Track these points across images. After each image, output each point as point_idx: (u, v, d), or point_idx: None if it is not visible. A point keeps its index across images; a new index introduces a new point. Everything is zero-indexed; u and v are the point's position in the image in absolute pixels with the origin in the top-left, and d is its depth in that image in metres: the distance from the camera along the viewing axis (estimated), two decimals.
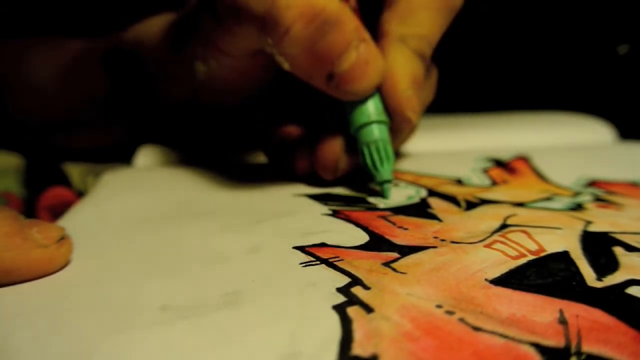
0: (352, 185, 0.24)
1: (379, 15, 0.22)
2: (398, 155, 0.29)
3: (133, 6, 0.25)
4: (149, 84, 0.28)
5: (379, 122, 0.21)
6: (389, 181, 0.22)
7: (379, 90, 0.21)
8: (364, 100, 0.21)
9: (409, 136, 0.27)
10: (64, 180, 0.29)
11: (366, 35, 0.20)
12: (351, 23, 0.19)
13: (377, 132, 0.21)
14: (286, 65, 0.20)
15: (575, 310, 0.13)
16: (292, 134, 0.24)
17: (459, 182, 0.25)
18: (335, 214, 0.20)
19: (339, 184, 0.23)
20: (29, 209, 0.28)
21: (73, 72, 0.32)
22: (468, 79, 0.50)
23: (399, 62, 0.21)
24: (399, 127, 0.22)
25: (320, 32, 0.19)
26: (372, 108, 0.21)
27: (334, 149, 0.22)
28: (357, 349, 0.11)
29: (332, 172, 0.23)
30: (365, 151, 0.21)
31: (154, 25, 0.27)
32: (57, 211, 0.25)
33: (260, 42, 0.20)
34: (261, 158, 0.29)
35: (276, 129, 0.24)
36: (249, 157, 0.30)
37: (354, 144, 0.22)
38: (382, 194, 0.22)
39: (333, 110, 0.22)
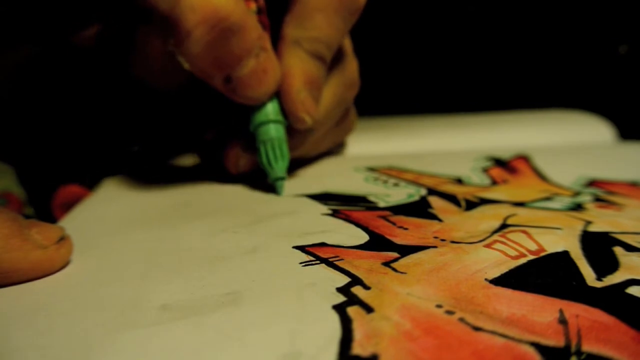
0: (352, 185, 0.24)
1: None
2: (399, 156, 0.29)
3: (79, 13, 0.25)
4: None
5: (275, 121, 0.22)
6: (282, 178, 0.23)
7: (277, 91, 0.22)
8: None
9: (339, 134, 0.29)
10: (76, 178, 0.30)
11: (267, 44, 0.21)
12: (254, 31, 0.20)
13: (273, 131, 0.22)
14: (186, 65, 0.20)
15: (575, 310, 0.13)
16: (213, 132, 0.25)
17: (459, 181, 0.25)
18: (335, 213, 0.20)
19: (243, 180, 0.25)
20: (38, 206, 0.28)
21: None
22: (468, 79, 0.50)
23: (292, 64, 0.22)
24: (295, 127, 0.23)
25: (222, 37, 0.19)
26: (270, 108, 0.22)
27: (234, 147, 0.24)
28: (357, 349, 0.11)
29: (235, 167, 0.24)
30: (262, 149, 0.22)
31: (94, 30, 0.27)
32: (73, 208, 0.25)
33: (163, 42, 0.20)
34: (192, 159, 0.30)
35: (202, 127, 0.25)
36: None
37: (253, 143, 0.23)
38: (275, 191, 0.23)
39: (239, 109, 0.23)
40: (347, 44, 0.27)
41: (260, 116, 0.22)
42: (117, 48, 0.25)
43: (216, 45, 0.19)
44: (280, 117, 0.22)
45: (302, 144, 0.25)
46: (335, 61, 0.25)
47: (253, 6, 0.22)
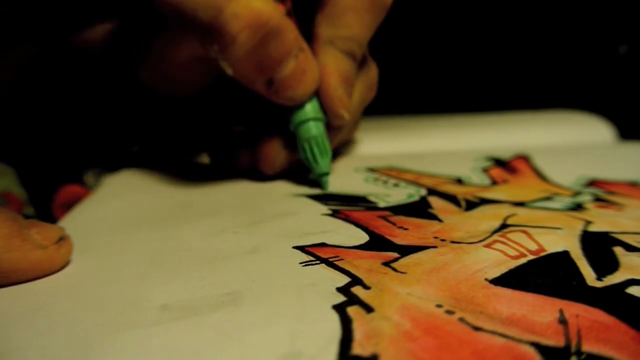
0: (352, 185, 0.24)
1: (313, 19, 0.24)
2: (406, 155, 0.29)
3: (80, 14, 0.25)
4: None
5: (315, 119, 0.23)
6: (327, 174, 0.23)
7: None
8: None
9: (351, 132, 0.29)
10: (75, 178, 0.30)
11: (304, 44, 0.21)
12: (292, 33, 0.20)
13: (315, 129, 0.23)
14: (229, 71, 0.21)
15: (575, 310, 0.13)
16: (234, 132, 0.25)
17: (459, 181, 0.25)
18: (335, 214, 0.20)
19: (279, 178, 0.25)
20: (39, 206, 0.28)
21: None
22: (469, 79, 0.50)
23: (328, 63, 0.23)
24: (333, 124, 0.24)
25: (264, 41, 0.20)
26: (309, 107, 0.23)
27: (273, 145, 0.24)
28: (357, 349, 0.11)
29: (271, 167, 0.24)
30: (306, 146, 0.23)
31: (103, 30, 0.27)
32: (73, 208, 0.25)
33: (203, 49, 0.21)
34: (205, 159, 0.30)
35: (219, 127, 0.26)
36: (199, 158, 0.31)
37: (291, 142, 0.24)
38: (321, 186, 0.23)
39: (273, 110, 0.23)
40: (366, 48, 0.27)
41: (300, 115, 0.23)
42: (127, 51, 0.25)
43: (259, 49, 0.20)
44: (320, 115, 0.23)
45: (334, 139, 0.25)
46: (360, 63, 0.25)
47: (283, 9, 0.22)
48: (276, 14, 0.19)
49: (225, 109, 0.26)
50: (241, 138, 0.25)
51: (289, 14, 0.23)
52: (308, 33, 0.23)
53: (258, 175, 0.25)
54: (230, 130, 0.26)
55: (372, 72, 0.27)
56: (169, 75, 0.24)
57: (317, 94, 0.23)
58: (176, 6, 0.20)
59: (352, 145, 0.32)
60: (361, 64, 0.25)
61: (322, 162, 0.23)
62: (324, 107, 0.23)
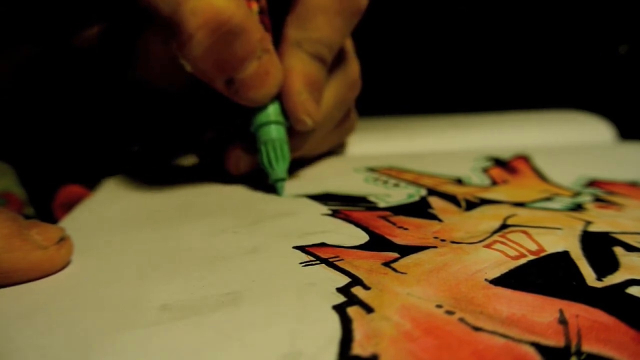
0: (352, 186, 0.24)
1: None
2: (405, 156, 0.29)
3: (79, 15, 0.25)
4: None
5: (276, 122, 0.22)
6: (282, 179, 0.23)
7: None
8: None
9: (343, 134, 0.29)
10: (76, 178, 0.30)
11: (270, 45, 0.21)
12: (256, 33, 0.20)
13: (274, 132, 0.22)
14: (188, 68, 0.20)
15: (575, 310, 0.13)
16: (209, 136, 0.25)
17: (459, 181, 0.25)
18: (335, 214, 0.20)
19: (243, 181, 0.25)
20: (39, 207, 0.28)
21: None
22: (468, 79, 0.50)
23: (293, 65, 0.22)
24: (296, 129, 0.23)
25: (224, 40, 0.19)
26: (271, 109, 0.22)
27: (235, 147, 0.24)
28: (357, 349, 0.11)
29: (236, 168, 0.24)
30: (263, 150, 0.22)
31: (97, 32, 0.27)
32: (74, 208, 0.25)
33: (166, 44, 0.20)
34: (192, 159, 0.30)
35: (208, 126, 0.25)
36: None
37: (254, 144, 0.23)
38: (276, 191, 0.23)
39: (239, 110, 0.23)
40: (349, 45, 0.27)
41: (261, 117, 0.22)
42: (119, 49, 0.25)
43: (218, 48, 0.19)
44: (281, 118, 0.22)
45: (303, 144, 0.25)
46: (336, 62, 0.25)
47: (255, 7, 0.22)
48: (239, 13, 0.19)
49: (201, 108, 0.26)
50: (220, 139, 0.25)
51: (262, 12, 0.22)
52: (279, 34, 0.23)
53: (258, 175, 0.25)
54: (219, 129, 0.26)
55: (352, 70, 0.26)
56: (152, 71, 0.24)
57: (279, 96, 0.22)
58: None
59: (352, 145, 0.32)
60: (338, 63, 0.25)
61: (278, 167, 0.22)
62: (285, 111, 0.23)
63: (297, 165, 0.27)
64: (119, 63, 0.26)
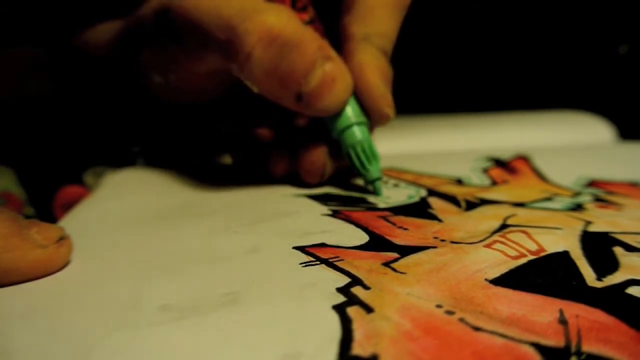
0: (352, 185, 0.24)
1: (339, 21, 0.23)
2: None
3: (83, 14, 0.25)
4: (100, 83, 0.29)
5: (359, 123, 0.22)
6: (379, 179, 0.22)
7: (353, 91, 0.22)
8: None
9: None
10: (75, 179, 0.30)
11: (331, 52, 0.20)
12: (313, 42, 0.20)
13: (359, 134, 0.22)
14: (255, 89, 0.20)
15: (575, 310, 0.13)
16: (265, 138, 0.24)
17: (459, 182, 0.25)
18: (335, 214, 0.20)
19: (323, 184, 0.24)
20: (38, 207, 0.28)
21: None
22: (469, 79, 0.50)
23: (367, 61, 0.22)
24: (377, 124, 0.23)
25: (282, 54, 0.19)
26: (350, 111, 0.21)
27: (320, 155, 0.23)
28: (357, 349, 0.11)
29: (320, 176, 0.23)
30: (352, 153, 0.22)
31: (104, 32, 0.26)
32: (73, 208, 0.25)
33: (226, 66, 0.20)
34: (227, 159, 0.29)
35: (246, 132, 0.25)
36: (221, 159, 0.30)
37: (335, 147, 0.23)
38: (374, 192, 0.22)
39: (274, 111, 0.22)
40: None
41: (342, 121, 0.21)
42: (135, 61, 0.24)
43: (277, 63, 0.19)
44: (362, 118, 0.22)
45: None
46: None
47: (306, 17, 0.22)
48: (290, 25, 0.19)
49: (249, 111, 0.25)
50: (274, 143, 0.24)
51: (312, 21, 0.22)
52: (334, 37, 0.22)
53: (258, 176, 0.25)
54: (258, 134, 0.25)
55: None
56: (185, 85, 0.23)
57: (356, 95, 0.22)
58: (194, 26, 0.20)
59: None
60: None
61: (372, 168, 0.22)
62: (366, 108, 0.22)
63: (344, 171, 0.25)
64: (131, 72, 0.25)
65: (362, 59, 0.22)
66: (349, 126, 0.21)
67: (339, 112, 0.21)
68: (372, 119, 0.22)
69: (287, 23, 0.19)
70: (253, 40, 0.19)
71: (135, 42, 0.24)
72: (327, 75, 0.20)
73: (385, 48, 0.22)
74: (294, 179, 0.24)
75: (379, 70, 0.22)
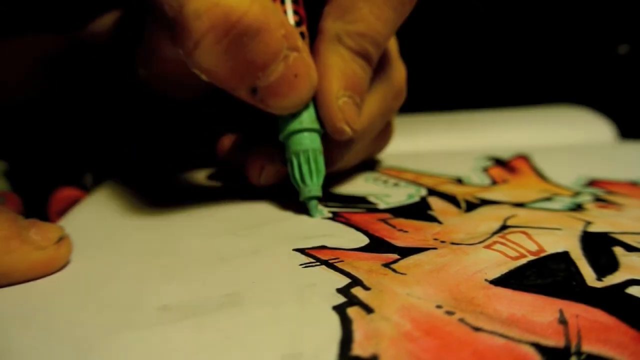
0: (352, 185, 0.24)
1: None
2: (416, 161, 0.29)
3: (91, 6, 0.24)
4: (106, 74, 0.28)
5: (311, 130, 0.19)
6: (316, 197, 0.19)
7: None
8: None
9: (378, 146, 0.25)
10: (72, 179, 0.30)
11: (298, 42, 0.17)
12: (278, 30, 0.16)
13: (308, 141, 0.19)
14: (203, 77, 0.17)
15: (575, 310, 0.13)
16: (231, 140, 0.23)
17: (459, 181, 0.25)
18: (335, 217, 0.20)
19: (245, 184, 0.22)
20: (35, 208, 0.28)
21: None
22: (469, 77, 0.50)
23: (332, 64, 0.19)
24: (332, 138, 0.20)
25: (238, 44, 0.16)
26: (305, 115, 0.19)
27: (259, 156, 0.21)
28: (357, 350, 0.11)
29: (256, 178, 0.21)
30: (294, 161, 0.19)
31: (106, 24, 0.25)
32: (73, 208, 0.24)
33: (175, 50, 0.17)
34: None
35: (226, 133, 0.23)
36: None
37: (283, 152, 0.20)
38: (308, 212, 0.20)
39: (264, 114, 0.19)
40: (394, 46, 0.23)
41: (292, 123, 0.19)
42: (129, 46, 0.23)
43: (232, 54, 0.16)
44: (316, 125, 0.19)
45: (340, 157, 0.21)
46: (381, 64, 0.21)
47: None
48: (254, 9, 0.16)
49: (230, 112, 0.24)
50: (241, 145, 0.23)
51: (297, 1, 0.19)
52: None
53: (285, 188, 0.24)
54: (240, 135, 0.24)
55: (399, 75, 0.23)
56: (166, 76, 0.21)
57: (316, 101, 0.19)
58: None
59: None
60: (383, 66, 0.22)
61: (311, 183, 0.19)
62: (320, 118, 0.19)
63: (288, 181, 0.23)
64: (127, 62, 0.24)
65: (327, 61, 0.19)
66: (299, 131, 0.19)
67: (293, 113, 0.19)
68: (327, 131, 0.19)
69: (250, 5, 0.16)
70: (203, 27, 0.16)
71: (128, 30, 0.23)
72: (290, 69, 0.17)
73: (364, 51, 0.19)
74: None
75: (344, 77, 0.19)
